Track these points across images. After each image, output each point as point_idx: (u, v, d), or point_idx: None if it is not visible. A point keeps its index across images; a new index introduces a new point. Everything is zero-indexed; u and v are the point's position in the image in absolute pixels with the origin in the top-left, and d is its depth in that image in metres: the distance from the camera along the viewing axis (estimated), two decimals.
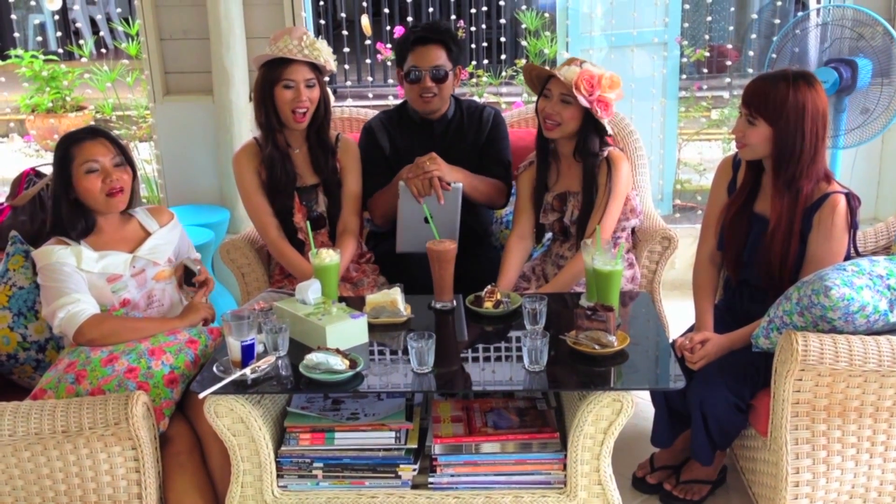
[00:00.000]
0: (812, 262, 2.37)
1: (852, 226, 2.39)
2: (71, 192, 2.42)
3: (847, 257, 2.40)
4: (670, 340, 2.49)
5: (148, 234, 2.57)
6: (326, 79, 2.88)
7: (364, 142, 3.05)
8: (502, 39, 6.18)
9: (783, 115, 2.33)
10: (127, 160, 2.48)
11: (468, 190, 2.85)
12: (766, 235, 2.44)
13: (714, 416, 2.36)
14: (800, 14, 3.52)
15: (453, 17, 5.79)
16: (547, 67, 2.81)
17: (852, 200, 2.38)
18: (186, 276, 2.60)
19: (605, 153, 2.74)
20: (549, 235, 2.98)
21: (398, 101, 3.26)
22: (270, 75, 2.75)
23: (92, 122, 6.39)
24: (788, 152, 2.35)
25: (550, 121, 2.71)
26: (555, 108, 2.69)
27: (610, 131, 2.73)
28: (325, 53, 2.77)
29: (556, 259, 2.89)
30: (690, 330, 2.61)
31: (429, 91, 2.89)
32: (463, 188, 2.81)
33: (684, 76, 4.83)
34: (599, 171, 2.74)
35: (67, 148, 2.41)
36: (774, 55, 3.54)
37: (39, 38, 7.18)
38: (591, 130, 2.72)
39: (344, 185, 2.91)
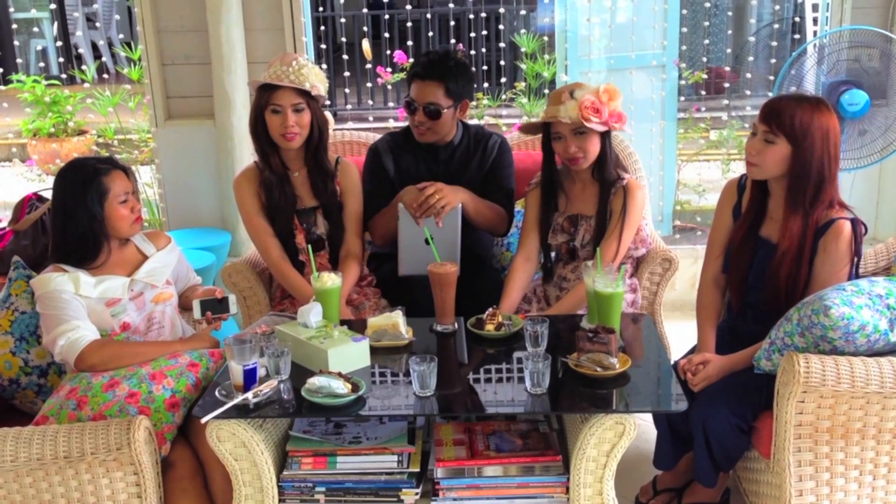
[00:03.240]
0: (815, 287, 2.36)
1: (856, 253, 2.39)
2: (97, 221, 2.43)
3: None
4: (672, 362, 2.49)
5: (145, 258, 2.59)
6: (327, 102, 2.90)
7: (369, 163, 3.06)
8: (501, 63, 6.22)
9: (808, 136, 2.33)
10: (136, 189, 2.54)
11: (471, 213, 2.86)
12: (772, 259, 2.44)
13: (717, 437, 2.35)
14: (801, 45, 3.55)
15: (453, 40, 5.83)
16: (540, 118, 2.79)
17: (858, 227, 2.38)
18: (213, 309, 2.57)
19: (624, 181, 2.75)
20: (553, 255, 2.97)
21: (399, 124, 3.28)
22: (260, 101, 2.78)
23: (94, 148, 6.42)
24: (809, 174, 2.35)
25: (576, 160, 2.69)
26: (574, 145, 2.67)
27: (627, 131, 2.74)
28: (312, 78, 2.77)
29: (559, 281, 2.89)
30: (692, 351, 2.61)
31: (422, 125, 2.91)
32: (463, 209, 2.82)
33: (683, 98, 4.86)
34: (615, 197, 2.75)
35: (94, 179, 2.42)
36: (772, 77, 3.56)
37: (42, 64, 7.23)
38: (607, 145, 2.72)
39: (345, 209, 2.92)
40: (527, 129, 2.86)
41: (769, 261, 2.46)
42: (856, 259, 2.40)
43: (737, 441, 2.35)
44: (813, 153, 2.34)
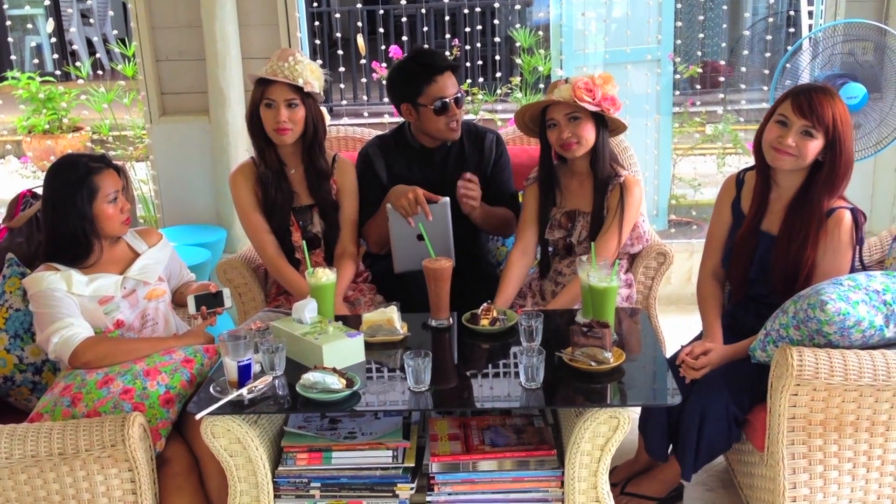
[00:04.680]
0: (817, 277, 2.38)
1: (858, 241, 2.40)
2: (87, 220, 2.42)
3: (852, 272, 2.41)
4: (668, 356, 2.49)
5: (137, 255, 2.59)
6: (321, 99, 2.89)
7: (360, 169, 3.02)
8: (497, 57, 6.23)
9: (845, 128, 2.37)
10: (127, 187, 2.54)
11: (480, 222, 2.87)
12: (773, 252, 2.45)
13: (712, 423, 2.34)
14: (797, 42, 3.55)
15: (448, 35, 5.83)
16: (531, 102, 2.80)
17: (857, 216, 2.40)
18: (208, 303, 2.56)
19: (622, 178, 2.75)
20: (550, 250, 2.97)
21: (394, 119, 3.24)
22: (255, 95, 2.79)
23: (89, 144, 6.41)
24: (849, 164, 2.39)
25: (569, 145, 2.68)
26: (568, 130, 2.67)
27: (626, 124, 2.73)
28: (307, 74, 2.77)
29: (554, 275, 2.89)
30: (699, 339, 2.61)
31: (457, 118, 2.87)
32: (475, 219, 2.83)
33: (678, 92, 4.87)
34: (612, 194, 2.75)
35: (86, 178, 2.42)
36: (766, 71, 3.57)
37: (36, 60, 7.22)
38: (603, 137, 2.72)
39: (341, 207, 2.91)
40: (522, 114, 2.83)
41: (770, 253, 2.46)
42: (857, 247, 2.42)
43: (727, 432, 2.35)
44: (849, 144, 2.38)
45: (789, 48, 3.52)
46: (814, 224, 2.39)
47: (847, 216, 2.38)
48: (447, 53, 2.98)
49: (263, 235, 2.85)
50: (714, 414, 2.35)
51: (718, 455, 2.44)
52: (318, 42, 6.64)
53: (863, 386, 2.10)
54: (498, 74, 5.65)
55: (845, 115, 2.38)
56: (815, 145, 2.37)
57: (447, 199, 2.77)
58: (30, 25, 8.60)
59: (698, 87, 5.73)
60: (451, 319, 2.50)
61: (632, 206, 2.73)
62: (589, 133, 2.69)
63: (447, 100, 2.84)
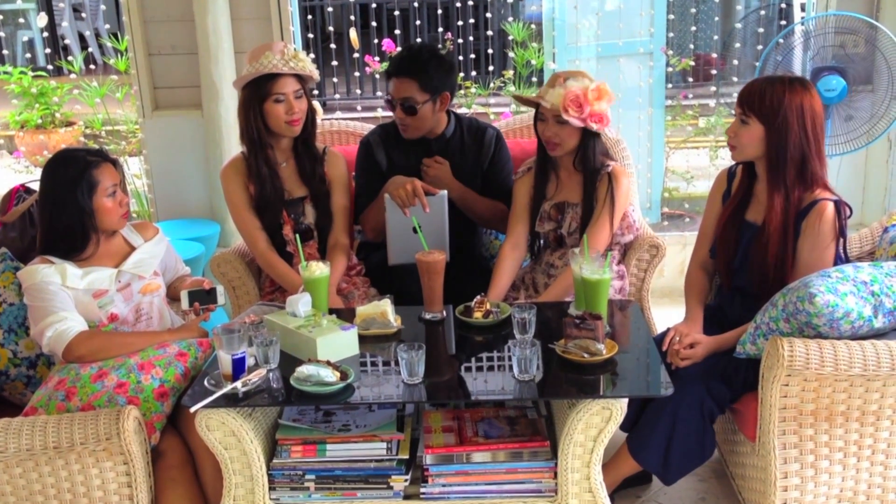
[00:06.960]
0: (801, 269, 2.38)
1: (841, 234, 2.40)
2: (87, 214, 2.42)
3: (836, 265, 2.42)
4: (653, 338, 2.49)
5: (132, 249, 2.59)
6: (315, 91, 2.91)
7: (361, 156, 3.06)
8: (490, 51, 6.22)
9: (780, 115, 2.34)
10: (123, 181, 2.54)
11: (460, 206, 2.87)
12: (757, 242, 2.46)
13: (683, 416, 2.34)
14: (787, 27, 3.56)
15: (440, 29, 5.82)
16: (532, 95, 2.80)
17: (841, 208, 2.39)
18: (201, 300, 2.57)
19: (609, 168, 2.76)
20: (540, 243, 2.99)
21: (387, 114, 3.26)
22: (259, 92, 2.76)
23: (82, 139, 6.40)
24: (787, 153, 2.36)
25: (550, 143, 2.73)
26: (552, 130, 2.71)
27: (612, 135, 2.75)
28: (308, 64, 2.80)
29: (546, 268, 2.90)
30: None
31: (402, 121, 2.92)
32: (452, 199, 2.83)
33: (670, 85, 4.87)
34: (600, 184, 2.76)
35: (85, 171, 2.42)
36: (758, 63, 3.58)
37: (28, 55, 7.19)
38: (590, 140, 2.73)
39: (332, 199, 2.92)
40: (519, 99, 2.87)
41: (754, 243, 2.47)
42: (841, 240, 2.42)
43: (701, 430, 2.34)
44: (788, 131, 2.35)
45: (781, 41, 3.53)
46: (784, 213, 2.39)
47: (830, 207, 2.37)
48: (439, 47, 3.00)
49: (255, 232, 2.86)
50: (687, 406, 2.33)
51: (693, 465, 2.41)
52: (310, 36, 6.63)
53: (853, 376, 2.12)
54: (491, 68, 5.65)
55: (789, 101, 2.33)
56: (751, 132, 2.37)
57: (445, 191, 2.79)
58: (21, 20, 8.57)
59: (691, 80, 5.75)
60: (444, 312, 2.51)
61: (620, 196, 2.74)
62: (571, 138, 2.72)
63: (392, 100, 2.91)
